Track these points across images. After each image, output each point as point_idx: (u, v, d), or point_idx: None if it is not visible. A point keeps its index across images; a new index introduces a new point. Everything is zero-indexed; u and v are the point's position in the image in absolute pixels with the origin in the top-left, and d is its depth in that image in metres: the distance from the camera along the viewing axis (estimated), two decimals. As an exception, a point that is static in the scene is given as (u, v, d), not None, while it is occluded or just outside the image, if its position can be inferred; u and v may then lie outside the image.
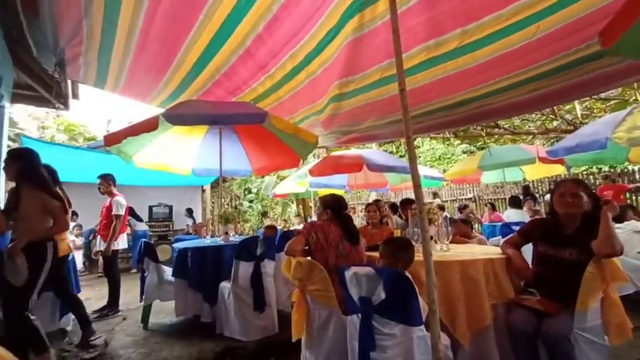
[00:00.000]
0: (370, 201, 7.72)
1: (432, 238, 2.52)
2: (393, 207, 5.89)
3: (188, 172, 4.83)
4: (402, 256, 1.81)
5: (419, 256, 1.79)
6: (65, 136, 14.17)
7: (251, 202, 13.95)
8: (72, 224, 5.54)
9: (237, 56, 2.79)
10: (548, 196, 2.73)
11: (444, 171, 9.51)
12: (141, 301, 3.45)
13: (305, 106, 3.73)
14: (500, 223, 5.27)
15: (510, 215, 5.94)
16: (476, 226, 7.21)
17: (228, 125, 3.98)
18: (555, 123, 7.14)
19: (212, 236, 4.43)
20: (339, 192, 7.24)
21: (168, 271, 3.43)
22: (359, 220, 6.73)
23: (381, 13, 2.22)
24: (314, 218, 7.05)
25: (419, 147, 13.50)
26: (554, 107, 6.06)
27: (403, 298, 1.51)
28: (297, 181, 6.00)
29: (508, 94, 3.07)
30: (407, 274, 1.61)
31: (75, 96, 4.79)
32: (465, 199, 10.46)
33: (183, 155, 4.61)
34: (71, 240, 5.90)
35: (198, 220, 8.87)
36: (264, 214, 14.10)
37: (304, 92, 3.36)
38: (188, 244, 3.50)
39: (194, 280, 3.16)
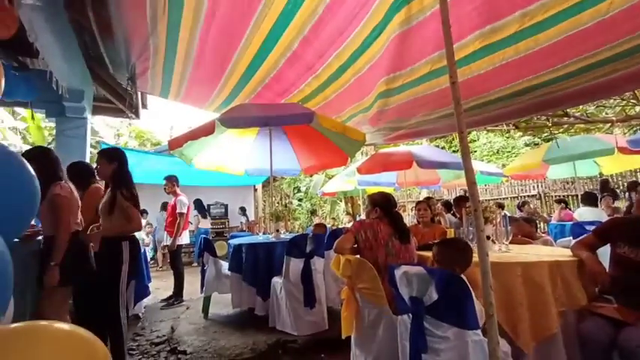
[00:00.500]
0: (421, 199, 7.43)
1: (489, 237, 2.36)
2: (447, 205, 5.62)
3: (241, 172, 5.10)
4: (460, 259, 1.72)
5: (474, 256, 1.70)
6: (136, 142, 15.79)
7: (300, 200, 14.25)
8: (143, 222, 6.17)
9: (285, 59, 2.88)
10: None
11: (504, 166, 8.82)
12: (202, 293, 3.73)
13: (352, 104, 3.72)
14: (571, 223, 4.75)
15: (583, 214, 5.32)
16: (541, 225, 6.59)
17: (278, 126, 4.12)
18: (638, 109, 6.23)
19: (264, 233, 4.63)
20: (389, 190, 7.10)
21: (225, 265, 3.66)
22: (409, 218, 6.53)
23: (429, 4, 2.14)
24: (363, 216, 7.01)
25: (474, 141, 12.68)
26: (636, 91, 5.29)
27: (457, 300, 1.44)
28: (345, 179, 6.01)
29: (578, 79, 2.75)
30: (461, 275, 1.54)
31: (144, 106, 5.33)
32: (528, 196, 9.60)
33: (236, 157, 4.88)
34: (142, 238, 6.57)
35: (251, 217, 9.31)
36: (313, 213, 14.31)
37: (351, 90, 3.35)
38: (242, 241, 3.70)
39: (248, 275, 3.34)
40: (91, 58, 4.05)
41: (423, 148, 5.67)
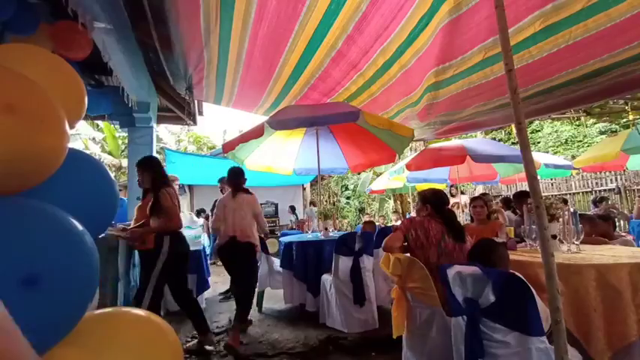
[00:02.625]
0: (476, 195, 6.99)
1: (555, 237, 2.16)
2: (506, 201, 5.22)
3: (290, 172, 5.24)
4: (494, 256, 1.64)
5: (537, 257, 1.57)
6: (194, 147, 17.05)
7: (348, 198, 14.27)
8: (201, 220, 6.65)
9: (330, 59, 2.91)
10: None
11: (573, 157, 7.95)
12: (255, 287, 3.92)
13: (399, 99, 3.63)
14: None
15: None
16: (621, 223, 5.83)
17: (324, 126, 4.16)
18: None
19: (313, 232, 4.71)
20: (440, 186, 6.80)
21: (276, 262, 3.81)
22: (464, 216, 6.18)
23: (480, -12, 2.01)
24: (413, 214, 6.79)
25: (537, 131, 11.59)
26: None
27: (518, 303, 1.35)
28: (393, 176, 5.87)
29: (665, 55, 2.39)
30: (520, 276, 1.43)
31: (200, 113, 5.74)
32: (605, 190, 8.54)
33: (285, 157, 5.03)
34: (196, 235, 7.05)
35: (300, 216, 9.53)
36: (362, 211, 14.24)
37: (397, 85, 3.28)
38: (292, 239, 3.81)
39: (298, 272, 3.43)
40: (155, 73, 4.47)
41: (477, 141, 5.32)
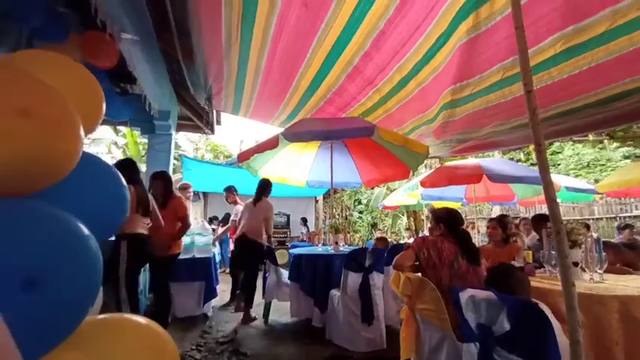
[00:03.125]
0: (493, 216, 6.80)
1: (577, 264, 2.06)
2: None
3: (303, 184, 5.25)
4: (512, 281, 1.57)
5: (557, 284, 1.50)
6: (211, 155, 17.38)
7: (361, 212, 14.13)
8: (212, 226, 6.70)
9: (346, 75, 2.94)
10: None
11: (596, 181, 7.67)
12: (263, 298, 3.88)
13: (414, 116, 3.62)
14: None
15: None
16: (649, 252, 5.53)
17: (339, 140, 4.17)
18: None
19: (323, 244, 4.67)
20: (455, 205, 6.66)
21: (285, 273, 3.78)
22: (479, 237, 6.01)
23: (500, 8, 2.01)
24: (426, 232, 6.66)
25: (558, 153, 11.29)
26: None
27: (535, 333, 1.27)
28: (407, 192, 5.80)
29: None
30: (542, 305, 1.36)
31: (218, 122, 5.86)
32: (630, 217, 8.17)
33: (299, 169, 5.05)
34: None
35: (312, 228, 9.49)
36: (374, 226, 14.05)
37: (413, 102, 3.27)
38: (302, 251, 3.78)
39: (306, 285, 3.39)
40: (176, 82, 4.62)
41: (494, 160, 5.20)
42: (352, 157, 4.84)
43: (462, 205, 6.95)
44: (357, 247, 3.43)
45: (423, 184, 4.75)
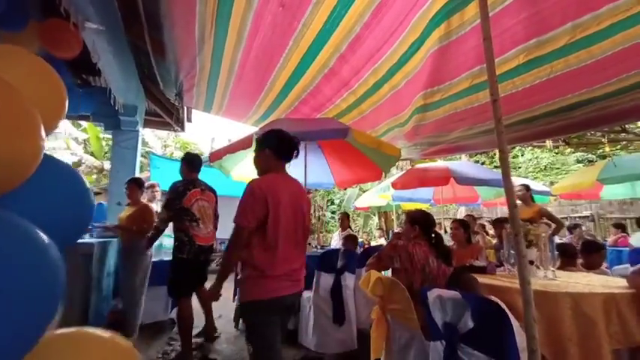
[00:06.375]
0: (461, 216, 7.08)
1: (532, 262, 2.20)
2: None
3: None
4: (460, 283, 1.67)
5: (515, 283, 1.59)
6: (180, 153, 16.76)
7: (333, 213, 14.24)
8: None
9: (322, 76, 2.95)
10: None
11: (552, 184, 8.23)
12: (234, 301, 3.80)
13: (388, 118, 3.70)
14: (628, 249, 4.29)
15: (644, 240, 4.80)
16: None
17: (313, 141, 4.17)
18: None
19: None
20: (424, 206, 6.90)
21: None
22: (446, 237, 6.26)
23: (470, 18, 2.10)
24: (397, 230, 6.82)
25: (516, 157, 11.99)
26: None
27: (495, 330, 1.35)
28: (379, 193, 5.92)
29: (637, 93, 2.54)
30: (501, 303, 1.44)
31: (189, 120, 5.68)
32: (580, 217, 8.84)
33: (272, 169, 4.99)
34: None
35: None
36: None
37: (387, 105, 3.34)
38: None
39: (280, 287, 3.36)
40: (145, 76, 4.42)
41: (461, 164, 5.45)
42: (326, 158, 4.86)
43: (430, 206, 7.19)
44: (330, 248, 3.46)
45: (394, 185, 4.88)
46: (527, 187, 4.06)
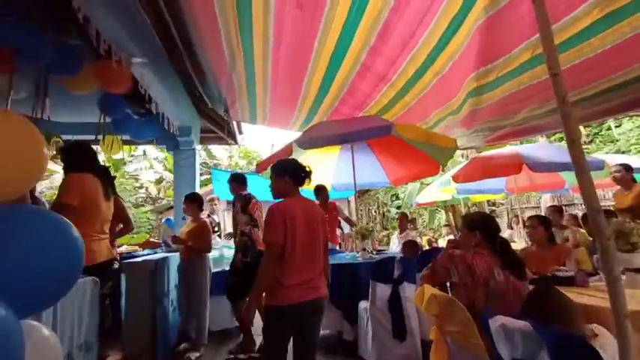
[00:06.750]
0: (545, 205, 6.11)
1: (639, 271, 1.71)
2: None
3: (328, 187, 5.10)
4: (550, 310, 1.27)
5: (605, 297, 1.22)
6: (244, 161, 17.80)
7: (399, 208, 13.62)
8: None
9: (356, 72, 2.75)
10: None
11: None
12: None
13: (437, 107, 3.33)
14: None
15: None
16: None
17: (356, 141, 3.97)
18: None
19: (351, 251, 4.49)
20: (497, 197, 6.16)
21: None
22: (522, 234, 5.45)
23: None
24: (450, 237, 6.20)
25: (616, 127, 10.04)
26: None
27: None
28: (440, 188, 5.42)
29: None
30: (593, 341, 1.10)
31: (240, 132, 5.90)
32: None
33: (322, 172, 4.91)
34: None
35: (346, 230, 9.29)
36: (412, 222, 13.55)
37: (433, 93, 3.00)
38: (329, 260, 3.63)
39: (334, 297, 3.23)
40: (196, 97, 4.68)
41: (536, 147, 4.69)
42: (377, 157, 4.62)
43: (505, 196, 6.41)
44: (385, 256, 3.22)
45: (455, 178, 4.40)
46: (626, 168, 3.30)
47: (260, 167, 3.75)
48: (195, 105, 4.78)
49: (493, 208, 10.59)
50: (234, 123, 5.24)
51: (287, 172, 1.92)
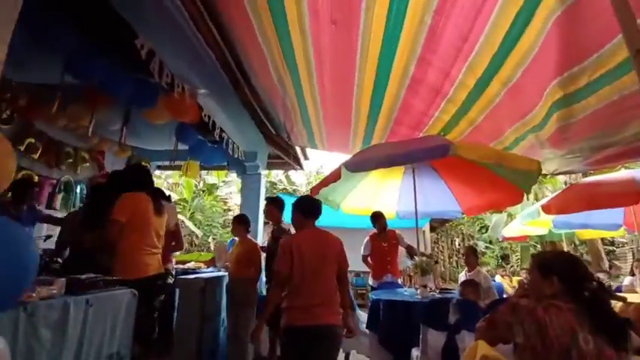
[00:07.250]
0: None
1: None
2: None
3: (392, 215, 4.73)
4: None
5: None
6: (317, 183, 18.05)
7: (490, 243, 11.95)
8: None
9: (406, 88, 2.51)
10: None
11: None
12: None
13: (512, 124, 2.82)
14: None
15: None
16: None
17: (409, 164, 3.61)
18: None
19: (409, 287, 4.00)
20: (611, 234, 4.93)
21: (364, 317, 3.31)
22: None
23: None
24: (524, 278, 5.01)
25: None
26: None
27: None
28: (526, 220, 4.51)
29: None
30: None
31: (306, 157, 6.00)
32: None
33: (384, 198, 4.61)
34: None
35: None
36: (504, 258, 11.79)
37: (504, 107, 2.55)
38: (382, 294, 3.27)
39: (384, 337, 2.86)
40: (262, 124, 4.95)
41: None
42: (444, 182, 4.13)
43: (625, 233, 5.08)
44: (439, 296, 2.76)
45: (546, 209, 3.64)
46: None
47: (313, 191, 3.68)
48: (263, 132, 5.04)
49: (611, 247, 8.52)
50: (299, 149, 5.35)
51: (295, 208, 2.17)
